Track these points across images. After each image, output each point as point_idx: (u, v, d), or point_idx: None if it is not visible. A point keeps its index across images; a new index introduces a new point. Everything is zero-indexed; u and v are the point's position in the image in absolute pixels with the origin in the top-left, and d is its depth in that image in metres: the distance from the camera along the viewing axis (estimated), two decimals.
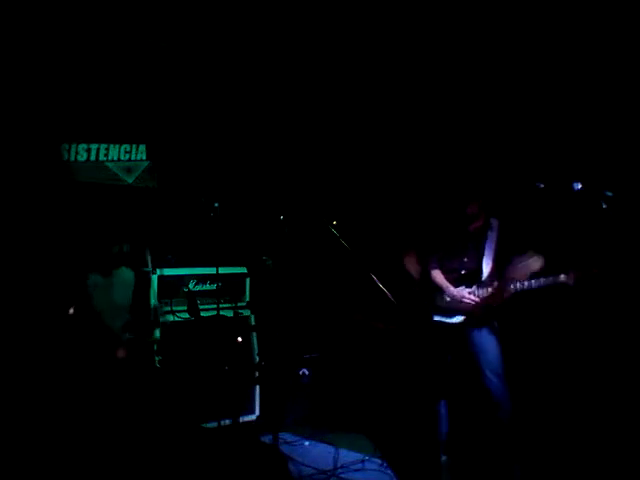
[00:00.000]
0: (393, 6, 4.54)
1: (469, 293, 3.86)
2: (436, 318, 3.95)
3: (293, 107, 5.68)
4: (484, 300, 3.81)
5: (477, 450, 3.92)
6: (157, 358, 4.14)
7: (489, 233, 3.93)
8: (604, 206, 3.21)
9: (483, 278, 3.86)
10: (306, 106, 5.64)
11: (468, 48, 4.59)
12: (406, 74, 5.01)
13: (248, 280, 5.05)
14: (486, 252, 3.89)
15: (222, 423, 4.25)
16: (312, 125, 5.66)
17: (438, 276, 3.98)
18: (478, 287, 3.86)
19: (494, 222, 3.95)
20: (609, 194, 3.20)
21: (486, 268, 3.87)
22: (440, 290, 3.94)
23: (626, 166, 3.97)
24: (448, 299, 3.90)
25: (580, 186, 3.24)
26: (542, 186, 3.48)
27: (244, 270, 5.03)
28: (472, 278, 3.88)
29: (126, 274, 4.18)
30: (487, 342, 3.82)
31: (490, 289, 3.81)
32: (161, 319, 4.46)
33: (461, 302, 3.85)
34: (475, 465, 3.87)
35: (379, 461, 4.14)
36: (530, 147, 4.38)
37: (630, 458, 3.65)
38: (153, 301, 4.51)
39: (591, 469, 3.70)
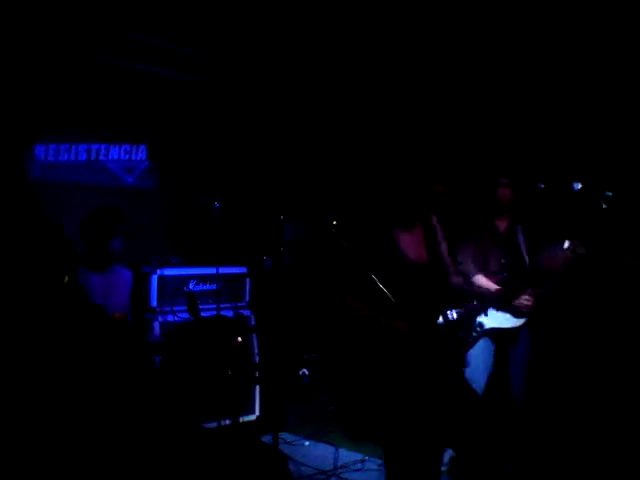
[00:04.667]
0: (391, 7, 4.54)
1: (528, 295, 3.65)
2: (490, 325, 3.71)
3: (293, 107, 5.68)
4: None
5: (471, 449, 3.90)
6: (157, 358, 4.14)
7: (518, 230, 3.85)
8: (604, 206, 3.20)
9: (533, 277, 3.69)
10: (306, 106, 5.64)
11: (468, 48, 4.59)
12: (406, 75, 5.02)
13: (248, 280, 5.05)
14: (522, 248, 3.78)
15: (222, 423, 4.25)
16: (312, 125, 5.66)
17: (484, 280, 3.73)
18: (535, 287, 3.65)
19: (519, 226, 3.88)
20: (609, 194, 3.20)
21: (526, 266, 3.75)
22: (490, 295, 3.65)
23: (626, 166, 3.97)
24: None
25: (580, 186, 3.24)
26: (542, 186, 3.48)
27: (244, 270, 5.03)
28: (519, 279, 3.70)
29: (123, 274, 4.17)
30: (522, 340, 3.77)
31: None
32: (161, 319, 4.47)
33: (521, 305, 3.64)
34: (469, 464, 3.85)
35: (379, 461, 4.14)
36: (530, 147, 4.38)
37: (625, 457, 3.65)
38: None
39: (586, 469, 3.70)
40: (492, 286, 3.69)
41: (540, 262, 3.58)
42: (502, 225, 3.87)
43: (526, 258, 3.78)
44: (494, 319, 3.70)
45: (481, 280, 3.73)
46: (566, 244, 3.38)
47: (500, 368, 3.77)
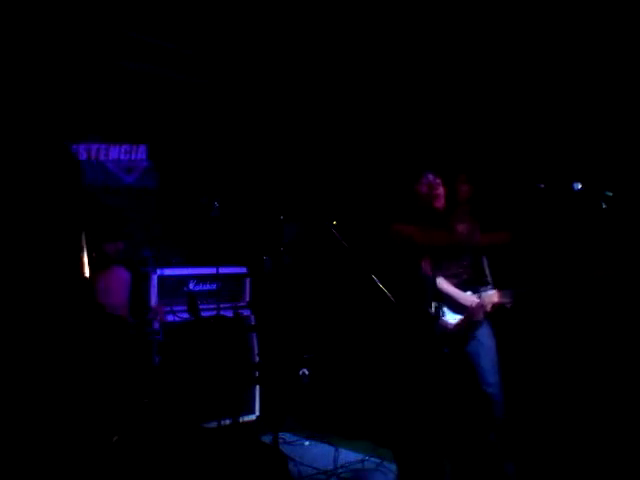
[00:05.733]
0: (392, 6, 4.54)
1: (478, 298, 3.71)
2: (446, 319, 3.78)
3: (293, 107, 5.68)
4: (496, 304, 3.72)
5: (469, 449, 3.91)
6: (157, 358, 4.14)
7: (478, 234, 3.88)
8: (604, 206, 3.20)
9: (489, 280, 3.78)
10: (306, 106, 5.64)
11: (468, 48, 4.59)
12: (405, 74, 5.01)
13: (248, 280, 5.05)
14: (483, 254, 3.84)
15: (222, 423, 4.25)
16: (312, 125, 5.66)
17: (444, 283, 3.78)
18: (486, 290, 3.73)
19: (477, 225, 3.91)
20: (609, 194, 3.20)
21: (487, 270, 3.81)
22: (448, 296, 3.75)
23: (626, 166, 3.97)
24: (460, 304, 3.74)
25: (580, 186, 3.24)
26: (542, 186, 3.48)
27: (244, 270, 5.03)
28: (477, 282, 3.77)
29: (121, 275, 4.17)
30: (487, 341, 3.80)
31: (495, 291, 3.72)
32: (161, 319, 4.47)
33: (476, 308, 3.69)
34: (467, 464, 3.86)
35: (378, 461, 4.14)
36: (530, 147, 4.38)
37: (621, 454, 3.66)
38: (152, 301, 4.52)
39: (584, 467, 3.71)
40: (454, 290, 3.72)
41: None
42: (462, 228, 3.87)
43: (485, 264, 3.82)
44: (452, 317, 3.77)
45: (443, 284, 3.76)
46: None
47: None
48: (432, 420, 3.62)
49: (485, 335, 3.81)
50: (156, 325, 4.49)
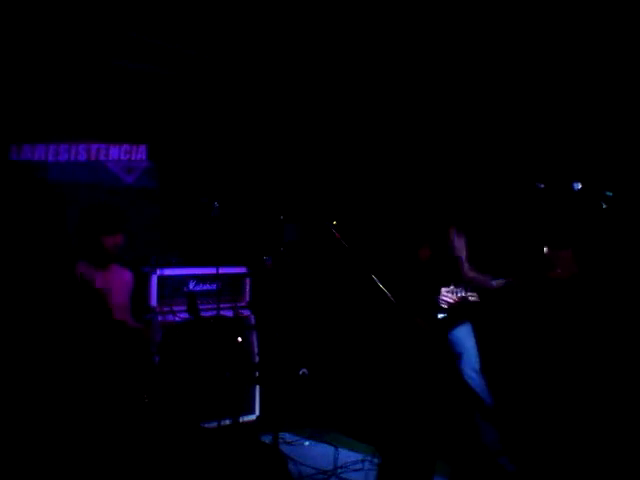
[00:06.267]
0: (392, 6, 4.54)
1: (446, 292, 3.85)
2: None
3: (293, 107, 5.68)
4: (461, 298, 3.82)
5: (464, 447, 3.91)
6: (157, 358, 4.14)
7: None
8: (604, 206, 3.21)
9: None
10: (306, 105, 5.64)
11: (468, 48, 4.59)
12: (405, 74, 5.02)
13: (248, 280, 5.05)
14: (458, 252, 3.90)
15: (222, 423, 4.25)
16: (312, 125, 5.66)
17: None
18: (456, 286, 3.86)
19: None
20: (609, 194, 3.20)
21: (462, 266, 3.87)
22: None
23: (626, 166, 3.97)
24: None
25: (580, 186, 3.24)
26: (542, 186, 3.48)
27: (244, 270, 5.03)
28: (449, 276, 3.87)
29: (123, 274, 4.17)
30: (464, 338, 3.84)
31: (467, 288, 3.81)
32: (161, 319, 4.47)
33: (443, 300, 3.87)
34: (465, 463, 3.86)
35: (379, 461, 4.14)
36: (530, 147, 4.38)
37: (615, 447, 3.67)
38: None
39: (579, 461, 3.71)
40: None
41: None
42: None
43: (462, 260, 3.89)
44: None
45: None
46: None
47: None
48: (429, 421, 3.62)
49: (462, 333, 3.86)
50: (156, 325, 4.49)
